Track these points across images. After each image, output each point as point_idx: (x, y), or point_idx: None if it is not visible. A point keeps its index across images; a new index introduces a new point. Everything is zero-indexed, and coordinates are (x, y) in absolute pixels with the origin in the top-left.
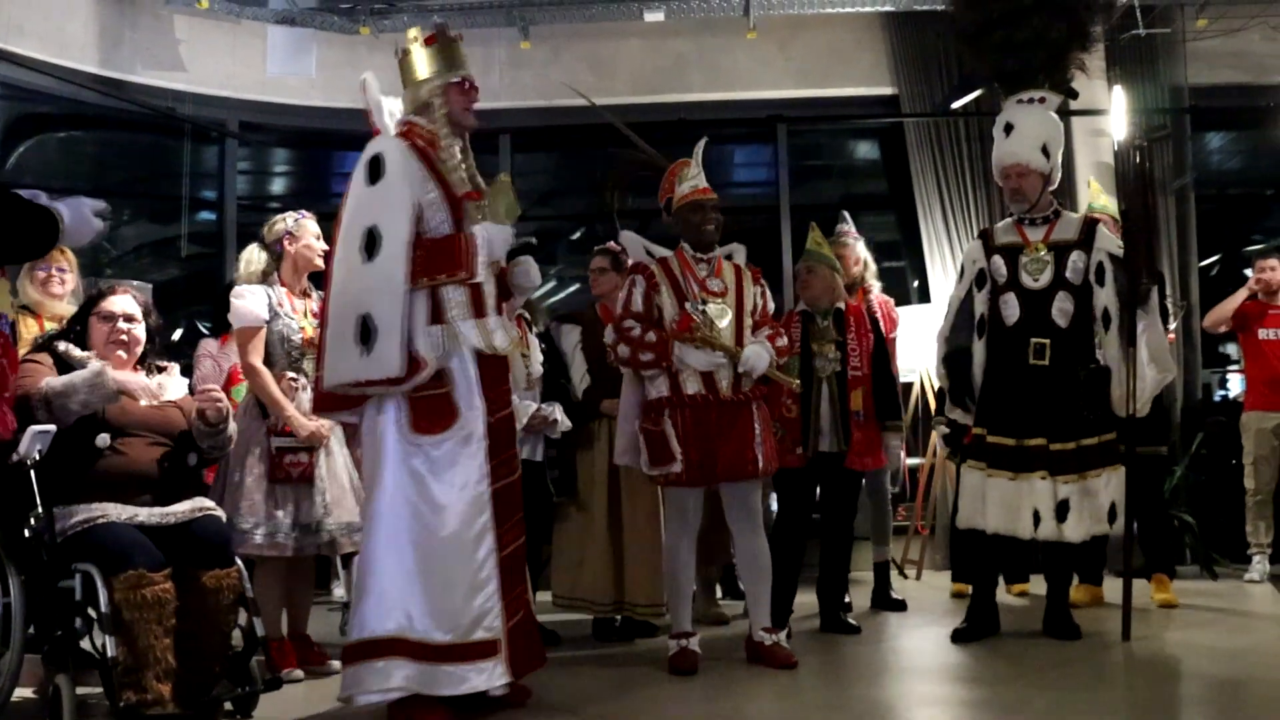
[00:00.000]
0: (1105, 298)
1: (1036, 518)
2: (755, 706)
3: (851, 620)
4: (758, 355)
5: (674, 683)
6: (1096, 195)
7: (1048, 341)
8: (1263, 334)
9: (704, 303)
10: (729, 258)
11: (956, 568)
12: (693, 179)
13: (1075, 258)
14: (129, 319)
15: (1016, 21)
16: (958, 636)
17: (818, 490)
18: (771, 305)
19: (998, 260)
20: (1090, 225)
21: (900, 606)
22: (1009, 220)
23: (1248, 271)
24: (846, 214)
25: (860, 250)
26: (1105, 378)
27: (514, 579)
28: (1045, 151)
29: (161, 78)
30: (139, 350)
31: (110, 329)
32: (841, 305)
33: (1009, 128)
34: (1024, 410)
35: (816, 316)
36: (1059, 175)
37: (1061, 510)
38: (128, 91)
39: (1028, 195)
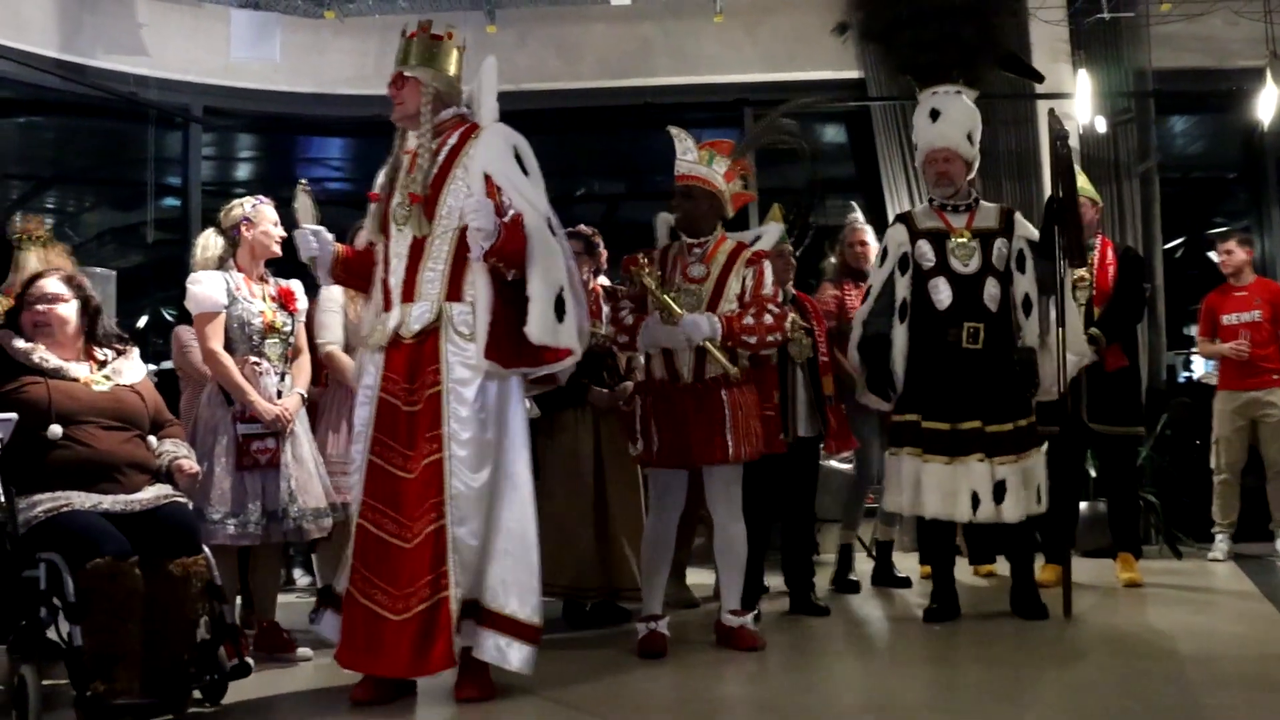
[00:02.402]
0: (1025, 284)
1: (975, 500)
2: (724, 689)
3: (820, 602)
4: (694, 324)
5: (643, 666)
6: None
7: (981, 326)
8: (1225, 319)
9: (676, 289)
10: (755, 240)
11: (924, 550)
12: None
13: (999, 245)
14: (52, 299)
15: (923, 22)
16: (930, 616)
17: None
18: (768, 288)
19: (924, 245)
20: (1008, 214)
21: (902, 583)
22: (926, 206)
23: (1211, 254)
24: (855, 204)
25: (871, 240)
26: (1034, 359)
27: (410, 567)
28: (970, 139)
29: (123, 62)
30: (69, 329)
31: (31, 313)
32: (794, 290)
33: (935, 113)
34: (958, 394)
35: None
36: (978, 164)
37: (999, 491)
38: (89, 76)
39: (954, 180)
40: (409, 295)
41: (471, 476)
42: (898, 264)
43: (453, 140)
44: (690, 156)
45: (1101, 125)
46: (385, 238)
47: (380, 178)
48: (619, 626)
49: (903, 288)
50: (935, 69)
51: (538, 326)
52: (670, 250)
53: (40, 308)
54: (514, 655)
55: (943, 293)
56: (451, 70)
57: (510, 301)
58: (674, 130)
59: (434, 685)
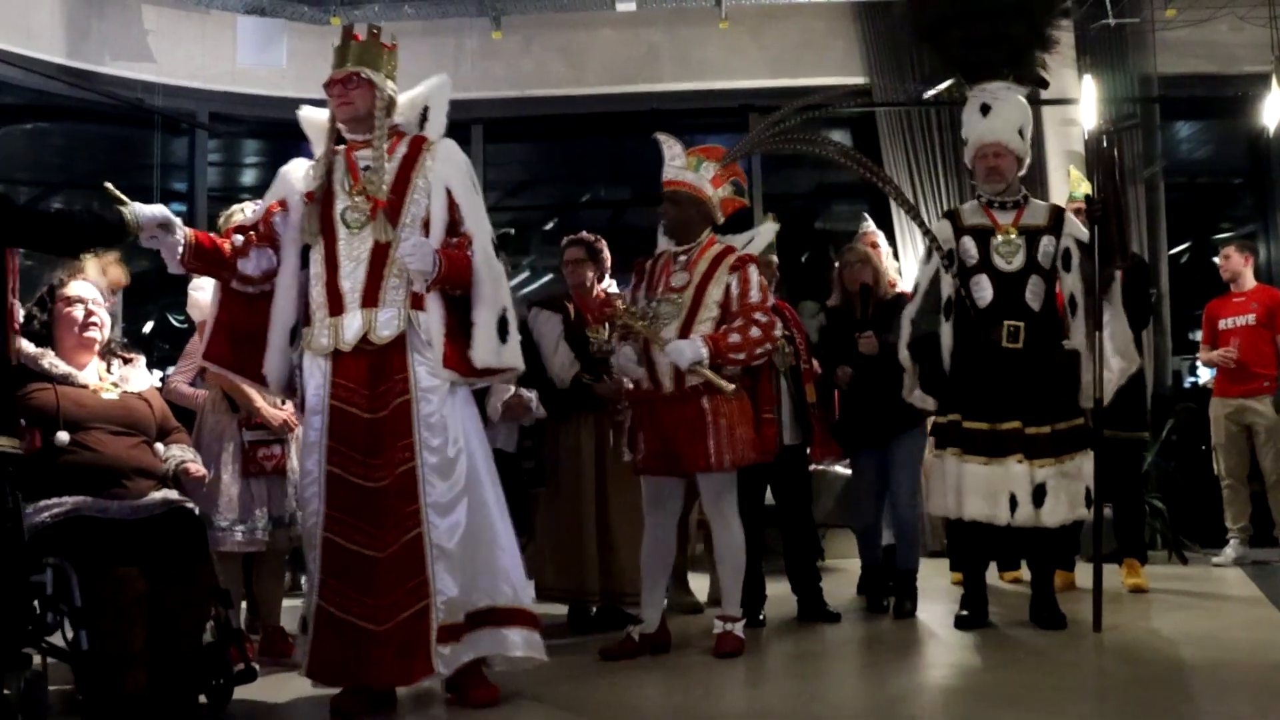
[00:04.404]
0: (1071, 284)
1: (1013, 503)
2: (725, 695)
3: (830, 608)
4: (678, 350)
5: (646, 670)
6: (1077, 184)
7: (1022, 324)
8: (1223, 324)
9: (657, 301)
10: (747, 243)
11: (956, 556)
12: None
13: (1045, 242)
14: (95, 302)
15: (975, 20)
16: (961, 624)
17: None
18: (755, 295)
19: (968, 241)
20: (1058, 212)
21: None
22: (974, 203)
23: (1218, 259)
24: (866, 215)
25: (883, 245)
26: (1077, 361)
27: (386, 578)
28: (1021, 134)
29: (130, 68)
30: (106, 334)
31: (83, 311)
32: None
33: (986, 108)
34: (998, 394)
35: None
36: (1028, 161)
37: (1039, 495)
38: (96, 82)
39: (1004, 175)
40: (371, 300)
41: (446, 483)
42: (943, 261)
43: (403, 149)
44: (678, 162)
45: None
46: (325, 239)
47: (306, 174)
48: (623, 631)
49: (947, 285)
50: (984, 67)
51: (482, 351)
52: (660, 257)
53: (93, 308)
54: (536, 643)
55: (984, 290)
56: (393, 78)
57: (460, 312)
58: (661, 136)
59: (424, 693)
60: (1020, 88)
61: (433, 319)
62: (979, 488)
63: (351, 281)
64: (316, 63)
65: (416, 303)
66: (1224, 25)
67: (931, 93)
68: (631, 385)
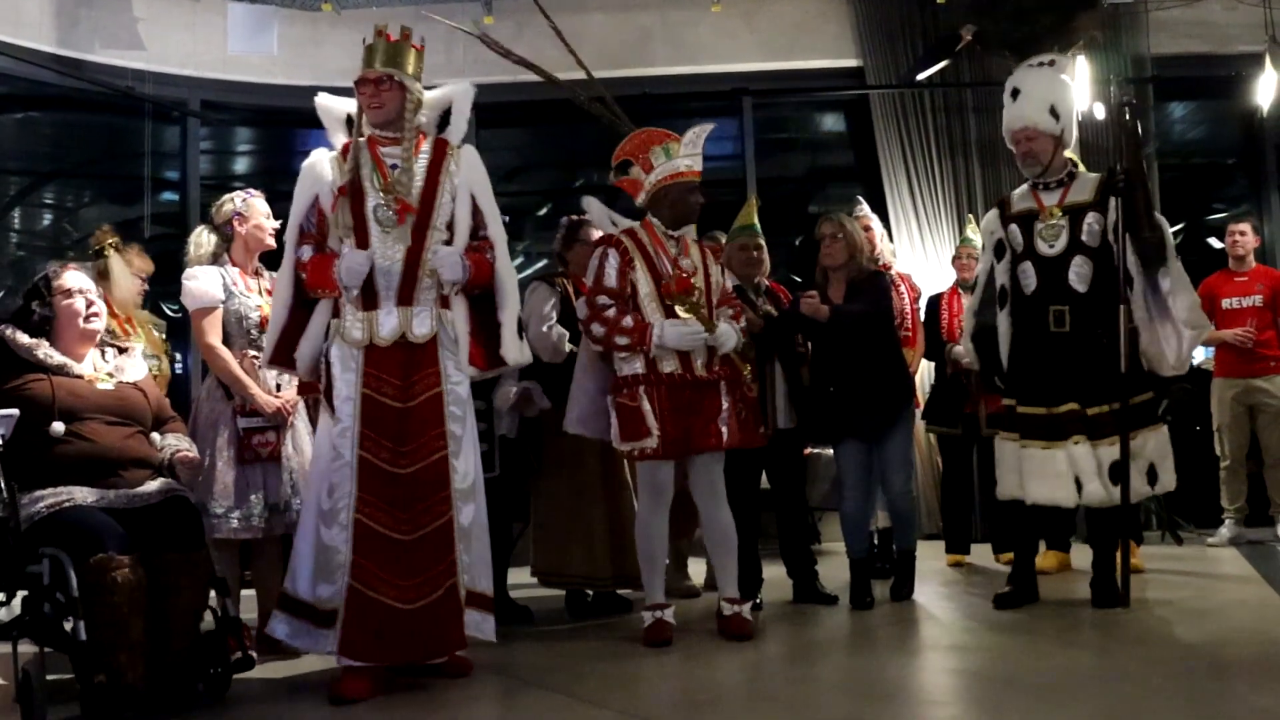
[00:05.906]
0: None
1: (1078, 484)
2: (727, 678)
3: (826, 590)
4: (727, 334)
5: (646, 655)
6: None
7: (1066, 308)
8: (1226, 303)
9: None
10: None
11: (1002, 538)
12: (690, 157)
13: (1091, 220)
14: (92, 293)
15: None
16: (1001, 602)
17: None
18: (730, 284)
19: (1014, 229)
20: (1106, 185)
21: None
22: (1025, 187)
23: (1211, 240)
24: (860, 198)
25: (877, 227)
26: (1131, 338)
27: (414, 560)
28: (1054, 113)
29: (120, 56)
30: (104, 323)
31: (84, 302)
32: (767, 281)
33: (1015, 92)
34: (1051, 378)
35: (749, 292)
36: (1072, 136)
37: (1114, 472)
38: (86, 71)
39: (1039, 158)
40: (407, 299)
41: (466, 470)
42: (994, 251)
43: (427, 151)
44: (695, 151)
45: (1100, 112)
46: (358, 234)
47: (333, 172)
48: (621, 616)
49: (1001, 274)
50: (1030, 40)
51: (512, 350)
52: (639, 238)
53: (92, 298)
54: (489, 628)
55: (1029, 277)
56: (420, 79)
57: (477, 312)
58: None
59: (419, 676)
60: (1063, 58)
61: (458, 318)
62: (1041, 471)
63: (387, 280)
64: (307, 49)
65: (444, 302)
66: (1218, 5)
67: (924, 75)
68: (641, 370)
